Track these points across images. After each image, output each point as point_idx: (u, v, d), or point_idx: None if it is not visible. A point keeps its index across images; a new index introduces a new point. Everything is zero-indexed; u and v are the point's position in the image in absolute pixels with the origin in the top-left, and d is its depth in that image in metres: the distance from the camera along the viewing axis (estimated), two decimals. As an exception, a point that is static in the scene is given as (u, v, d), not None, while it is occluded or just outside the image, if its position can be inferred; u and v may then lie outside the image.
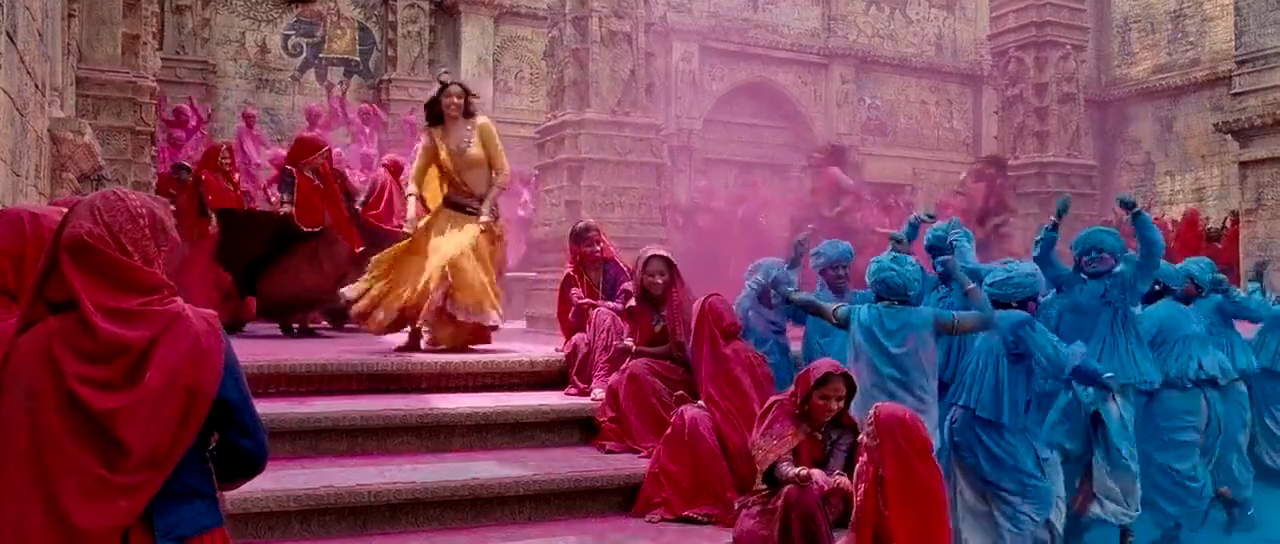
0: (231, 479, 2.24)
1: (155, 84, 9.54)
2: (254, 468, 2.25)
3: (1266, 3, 11.08)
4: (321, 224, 7.41)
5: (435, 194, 6.54)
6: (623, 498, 4.70)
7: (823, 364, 4.17)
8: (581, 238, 6.26)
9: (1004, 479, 4.65)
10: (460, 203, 6.42)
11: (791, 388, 4.21)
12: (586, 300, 6.11)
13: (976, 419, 4.72)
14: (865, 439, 3.67)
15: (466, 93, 6.51)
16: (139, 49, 8.97)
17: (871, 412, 3.71)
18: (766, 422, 4.14)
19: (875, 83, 19.44)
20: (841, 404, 4.09)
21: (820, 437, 4.12)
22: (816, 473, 3.90)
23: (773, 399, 4.28)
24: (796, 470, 3.91)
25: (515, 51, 16.77)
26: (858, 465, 3.78)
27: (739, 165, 17.74)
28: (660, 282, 5.47)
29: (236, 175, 8.99)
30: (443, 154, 6.41)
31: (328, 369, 5.53)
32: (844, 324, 4.95)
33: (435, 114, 6.47)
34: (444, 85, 6.49)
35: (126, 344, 2.00)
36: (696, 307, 5.12)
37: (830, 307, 5.14)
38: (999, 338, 4.75)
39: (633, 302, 5.65)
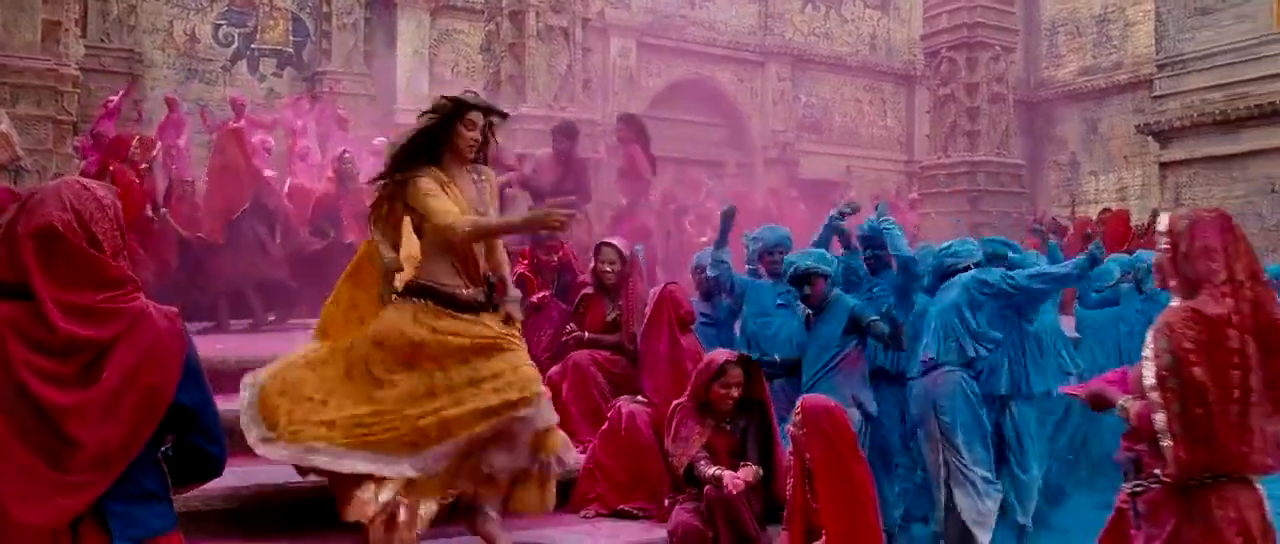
0: (188, 482, 2.19)
1: (78, 72, 9.24)
2: (214, 472, 2.20)
3: (1185, 9, 11.44)
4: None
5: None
6: (558, 493, 4.69)
7: (718, 355, 4.32)
8: (542, 244, 6.18)
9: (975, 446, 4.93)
10: (469, 300, 3.68)
11: (688, 387, 4.33)
12: (544, 293, 6.02)
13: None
14: (791, 429, 3.73)
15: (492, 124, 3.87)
16: (60, 36, 8.70)
17: (798, 402, 3.77)
18: (673, 427, 4.26)
19: (811, 81, 19.65)
20: (741, 391, 4.20)
21: (729, 427, 4.24)
22: (727, 475, 4.00)
23: (674, 403, 4.38)
24: (713, 471, 4.05)
25: (452, 45, 16.62)
26: (787, 460, 3.84)
27: (675, 162, 17.79)
28: (611, 270, 5.47)
29: (142, 166, 8.60)
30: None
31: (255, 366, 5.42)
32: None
33: (430, 146, 3.71)
34: (460, 105, 3.72)
35: (85, 342, 1.93)
36: (654, 293, 5.15)
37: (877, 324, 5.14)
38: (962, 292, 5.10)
39: (587, 290, 5.65)
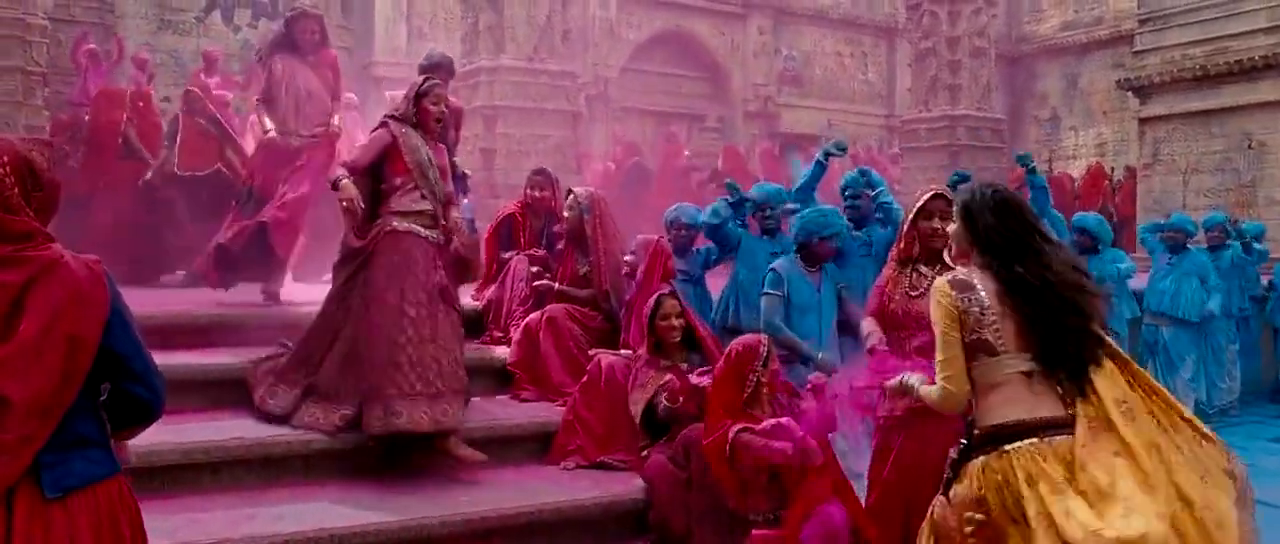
0: (126, 427, 2.19)
1: (46, 22, 9.06)
2: (149, 416, 2.20)
3: (1168, -38, 11.42)
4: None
5: None
6: (539, 446, 4.71)
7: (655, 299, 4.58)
8: (532, 181, 6.14)
9: None
10: None
11: (641, 339, 4.59)
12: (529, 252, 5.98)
13: None
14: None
15: None
16: (28, -16, 8.53)
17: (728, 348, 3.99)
18: (632, 377, 4.48)
19: (792, 34, 19.52)
20: (681, 321, 4.50)
21: (685, 366, 4.44)
22: (664, 395, 4.29)
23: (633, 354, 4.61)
24: (665, 401, 4.28)
25: (430, -4, 16.39)
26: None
27: (655, 115, 17.72)
28: (569, 215, 5.49)
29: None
30: None
31: (226, 320, 5.38)
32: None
33: None
34: None
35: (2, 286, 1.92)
36: (645, 246, 5.15)
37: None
38: None
39: (561, 243, 5.64)
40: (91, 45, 10.62)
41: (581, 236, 5.47)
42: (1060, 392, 2.46)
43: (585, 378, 4.80)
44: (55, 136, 8.59)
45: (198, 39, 14.56)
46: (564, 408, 4.78)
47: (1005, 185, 2.70)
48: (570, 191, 5.59)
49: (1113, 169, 15.53)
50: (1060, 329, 2.46)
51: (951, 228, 2.75)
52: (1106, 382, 2.47)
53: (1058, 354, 2.45)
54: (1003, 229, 2.54)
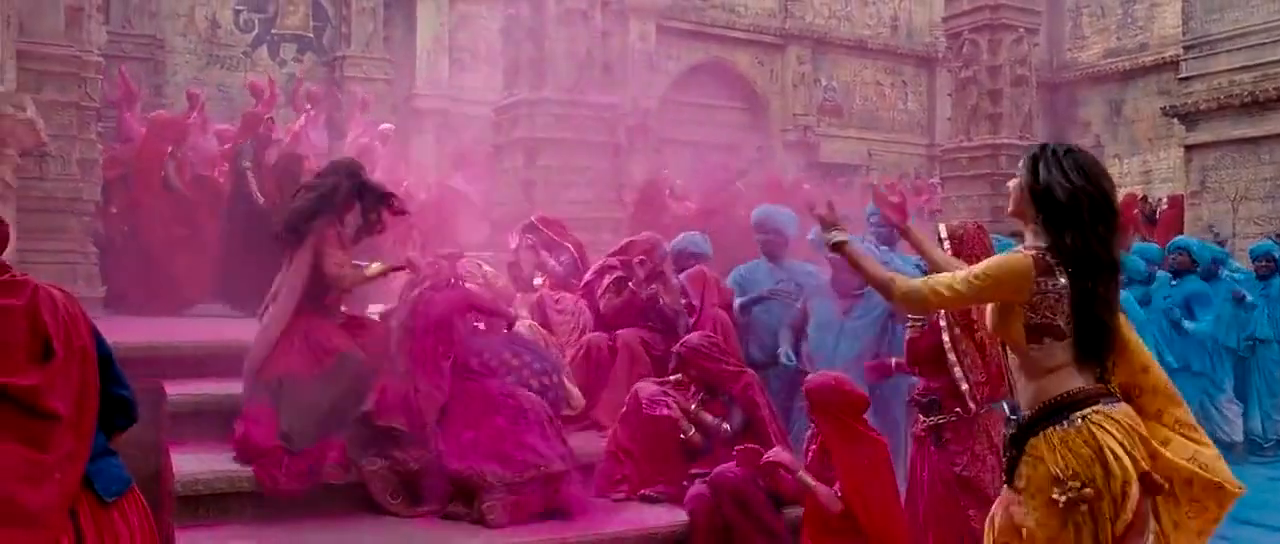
0: (115, 430, 2.28)
1: (101, 58, 9.27)
2: (133, 415, 2.30)
3: (1213, -11, 11.29)
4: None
5: None
6: (583, 478, 4.69)
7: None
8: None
9: None
10: None
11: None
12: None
13: None
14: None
15: None
16: (83, 22, 8.72)
17: (803, 390, 3.92)
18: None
19: (831, 64, 19.51)
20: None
21: (721, 397, 4.55)
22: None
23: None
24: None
25: (470, 29, 16.59)
26: (807, 438, 4.03)
27: (695, 146, 17.75)
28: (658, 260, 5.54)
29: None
30: None
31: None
32: None
33: None
34: None
35: (4, 310, 2.04)
36: (700, 279, 5.18)
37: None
38: None
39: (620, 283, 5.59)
40: (125, 80, 10.92)
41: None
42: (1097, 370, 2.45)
43: (624, 409, 4.78)
44: (108, 171, 8.79)
45: (246, 73, 14.85)
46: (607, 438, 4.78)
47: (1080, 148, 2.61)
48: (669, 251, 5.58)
49: (1157, 200, 15.27)
50: (1104, 315, 2.41)
51: (1012, 184, 2.64)
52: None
53: (1095, 341, 2.41)
54: (1079, 197, 2.46)
